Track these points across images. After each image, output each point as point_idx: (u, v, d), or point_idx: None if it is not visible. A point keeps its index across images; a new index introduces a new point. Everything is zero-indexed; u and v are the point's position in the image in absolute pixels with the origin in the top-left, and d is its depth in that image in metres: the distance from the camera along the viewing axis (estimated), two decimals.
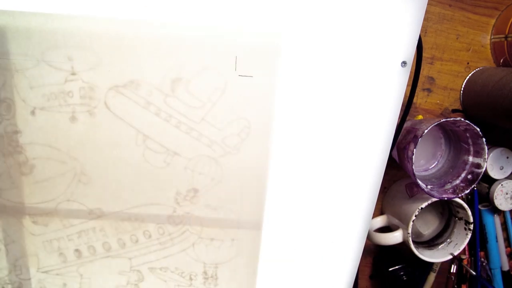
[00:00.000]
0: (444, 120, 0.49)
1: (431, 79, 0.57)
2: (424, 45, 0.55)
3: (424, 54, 0.54)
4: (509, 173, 0.59)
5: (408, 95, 0.51)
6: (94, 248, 0.45)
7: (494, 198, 0.59)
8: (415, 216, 0.53)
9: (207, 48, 0.39)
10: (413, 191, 0.57)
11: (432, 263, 0.63)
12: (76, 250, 0.45)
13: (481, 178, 0.52)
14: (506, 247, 0.63)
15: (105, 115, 0.41)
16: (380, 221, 0.59)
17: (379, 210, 0.62)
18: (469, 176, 0.53)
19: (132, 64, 0.39)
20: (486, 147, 0.51)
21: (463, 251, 0.62)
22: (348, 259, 0.48)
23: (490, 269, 0.63)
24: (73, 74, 0.39)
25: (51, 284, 0.46)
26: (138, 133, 0.41)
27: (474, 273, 0.60)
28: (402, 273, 0.60)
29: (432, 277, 0.63)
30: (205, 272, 0.47)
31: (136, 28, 0.39)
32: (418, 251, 0.55)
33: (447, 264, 0.64)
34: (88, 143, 0.41)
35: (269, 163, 0.43)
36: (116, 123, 0.40)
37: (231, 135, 0.42)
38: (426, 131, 0.48)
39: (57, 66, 0.39)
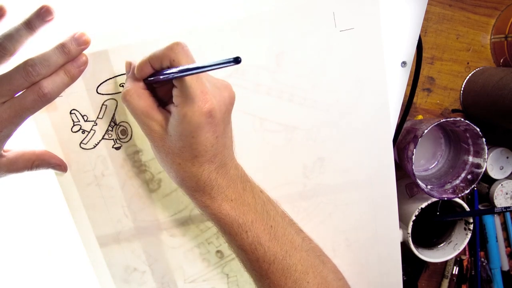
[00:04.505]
0: (444, 120, 0.49)
1: (431, 79, 0.57)
2: (424, 45, 0.55)
3: (424, 54, 0.54)
4: (509, 173, 0.59)
5: (408, 95, 0.51)
6: None
7: (494, 198, 0.59)
8: (415, 216, 0.53)
9: (302, 14, 0.38)
10: (413, 191, 0.57)
11: (442, 268, 0.63)
12: (218, 251, 0.45)
13: (481, 178, 0.52)
14: (506, 247, 0.63)
15: None
16: None
17: None
18: (469, 176, 0.53)
19: (234, 50, 0.39)
20: (486, 147, 0.51)
21: (463, 251, 0.62)
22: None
23: (490, 269, 0.63)
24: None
25: None
26: (254, 117, 0.41)
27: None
28: (402, 273, 0.59)
29: (445, 283, 0.63)
30: (346, 239, 0.45)
31: (230, 15, 0.38)
32: (418, 251, 0.55)
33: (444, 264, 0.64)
34: None
35: (390, 112, 0.42)
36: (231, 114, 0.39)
37: (345, 93, 0.41)
38: (426, 131, 0.48)
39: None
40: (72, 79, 0.37)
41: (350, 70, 0.40)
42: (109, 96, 0.39)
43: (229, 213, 0.34)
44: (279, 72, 0.40)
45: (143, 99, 0.34)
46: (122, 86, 0.39)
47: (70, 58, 0.36)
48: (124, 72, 0.38)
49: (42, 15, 0.35)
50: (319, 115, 0.41)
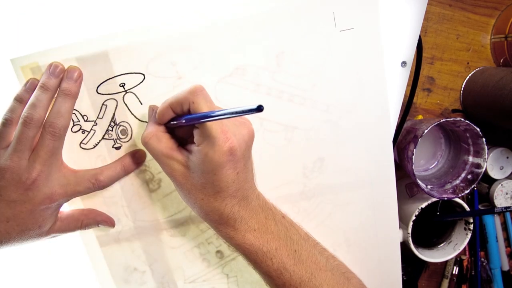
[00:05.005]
0: (444, 120, 0.49)
1: (431, 79, 0.57)
2: (424, 45, 0.55)
3: (424, 54, 0.54)
4: (509, 173, 0.59)
5: (408, 95, 0.51)
6: None
7: (494, 198, 0.59)
8: (415, 216, 0.53)
9: (302, 14, 0.38)
10: (413, 191, 0.57)
11: (443, 267, 0.63)
12: (218, 252, 0.45)
13: (481, 178, 0.52)
14: (506, 247, 0.63)
15: None
16: None
17: None
18: (469, 176, 0.53)
19: (234, 51, 0.39)
20: (486, 147, 0.51)
21: (463, 251, 0.62)
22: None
23: (490, 269, 0.63)
24: (179, 78, 0.39)
25: None
26: (254, 117, 0.40)
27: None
28: (402, 273, 0.59)
29: (445, 283, 0.63)
30: (347, 239, 0.45)
31: (230, 15, 0.38)
32: (418, 251, 0.55)
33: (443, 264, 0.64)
34: None
35: (390, 112, 0.42)
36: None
37: (345, 93, 0.41)
38: (426, 131, 0.48)
39: (162, 75, 0.39)
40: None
41: (350, 70, 0.40)
42: (109, 96, 0.39)
43: (253, 242, 0.35)
44: (279, 72, 0.40)
45: (163, 142, 0.35)
46: (122, 86, 0.39)
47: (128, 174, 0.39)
48: (124, 72, 0.39)
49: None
50: (319, 115, 0.41)
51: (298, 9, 0.38)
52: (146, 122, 0.40)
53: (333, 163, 0.43)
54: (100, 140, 0.40)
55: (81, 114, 0.40)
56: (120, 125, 0.40)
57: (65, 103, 0.36)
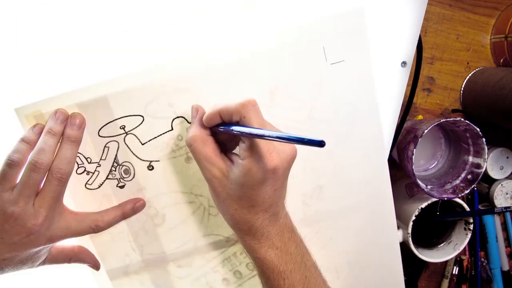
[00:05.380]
0: (444, 120, 0.49)
1: (431, 79, 0.57)
2: (424, 45, 0.55)
3: (424, 54, 0.54)
4: (509, 173, 0.59)
5: (408, 95, 0.51)
6: (239, 272, 0.46)
7: (494, 198, 0.59)
8: (415, 216, 0.53)
9: (294, 50, 0.40)
10: (413, 191, 0.57)
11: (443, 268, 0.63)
12: (224, 279, 0.46)
13: (481, 178, 0.52)
14: (506, 247, 0.63)
15: None
16: None
17: None
18: (469, 176, 0.53)
19: (228, 89, 0.40)
20: (486, 147, 0.51)
21: (463, 251, 0.62)
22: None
23: (490, 269, 0.63)
24: (177, 117, 0.40)
25: None
26: None
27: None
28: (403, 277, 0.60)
29: (445, 283, 0.63)
30: (349, 262, 0.46)
31: (223, 56, 0.39)
32: (418, 251, 0.55)
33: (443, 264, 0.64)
34: None
35: (383, 139, 0.43)
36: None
37: (340, 124, 0.42)
38: (426, 131, 0.48)
39: (160, 116, 0.40)
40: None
41: (343, 101, 0.42)
42: (111, 139, 0.41)
43: (273, 260, 0.36)
44: (273, 107, 0.41)
45: (208, 146, 0.35)
46: (122, 128, 0.40)
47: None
48: (124, 114, 0.40)
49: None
50: None
51: (289, 45, 0.40)
52: (146, 161, 0.42)
53: (332, 190, 0.44)
54: (104, 180, 0.42)
55: (84, 157, 0.41)
56: (123, 165, 0.42)
57: (70, 149, 0.37)
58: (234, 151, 0.38)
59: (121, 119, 0.40)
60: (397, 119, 0.47)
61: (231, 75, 0.40)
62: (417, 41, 0.46)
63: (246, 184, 0.33)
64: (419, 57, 0.50)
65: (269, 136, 0.29)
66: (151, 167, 0.42)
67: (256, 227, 0.35)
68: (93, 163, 0.41)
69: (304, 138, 0.26)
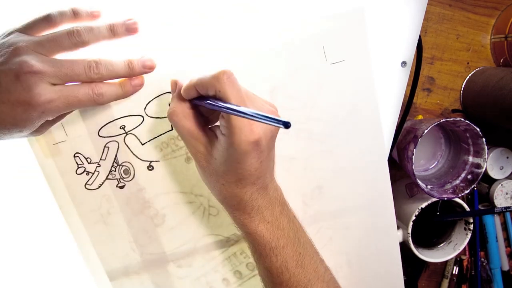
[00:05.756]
0: (444, 120, 0.49)
1: (431, 79, 0.57)
2: (424, 45, 0.55)
3: (424, 54, 0.54)
4: (509, 173, 0.59)
5: (408, 95, 0.51)
6: (239, 272, 0.46)
7: (494, 198, 0.59)
8: (415, 216, 0.53)
9: (293, 49, 0.40)
10: (413, 191, 0.57)
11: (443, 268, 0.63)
12: (224, 279, 0.46)
13: (481, 178, 0.52)
14: (506, 247, 0.63)
15: None
16: None
17: None
18: (469, 176, 0.53)
19: None
20: (486, 147, 0.51)
21: (463, 251, 0.62)
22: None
23: (490, 269, 0.63)
24: None
25: None
26: None
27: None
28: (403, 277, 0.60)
29: (445, 283, 0.63)
30: (349, 261, 0.46)
31: (222, 55, 0.39)
32: (418, 251, 0.55)
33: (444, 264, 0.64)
34: None
35: (384, 140, 0.43)
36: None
37: (340, 124, 0.42)
38: (426, 131, 0.48)
39: (161, 116, 0.40)
40: (125, 94, 0.38)
41: (343, 101, 0.42)
42: (111, 139, 0.41)
43: (264, 235, 0.35)
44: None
45: (189, 120, 0.34)
46: (122, 128, 0.40)
47: (131, 75, 0.38)
48: (124, 114, 0.40)
49: (127, 26, 0.37)
50: (315, 145, 0.43)
51: (288, 45, 0.40)
52: (146, 161, 0.42)
53: (332, 190, 0.44)
54: (104, 181, 0.42)
55: (84, 157, 0.41)
56: (123, 165, 0.42)
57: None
58: (217, 124, 0.37)
59: (121, 119, 0.40)
60: (397, 119, 0.47)
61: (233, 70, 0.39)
62: (417, 41, 0.46)
63: (230, 158, 0.32)
64: (419, 57, 0.50)
65: (239, 112, 0.28)
66: (151, 167, 0.42)
67: (245, 201, 0.34)
68: (93, 163, 0.41)
69: (269, 116, 0.26)
